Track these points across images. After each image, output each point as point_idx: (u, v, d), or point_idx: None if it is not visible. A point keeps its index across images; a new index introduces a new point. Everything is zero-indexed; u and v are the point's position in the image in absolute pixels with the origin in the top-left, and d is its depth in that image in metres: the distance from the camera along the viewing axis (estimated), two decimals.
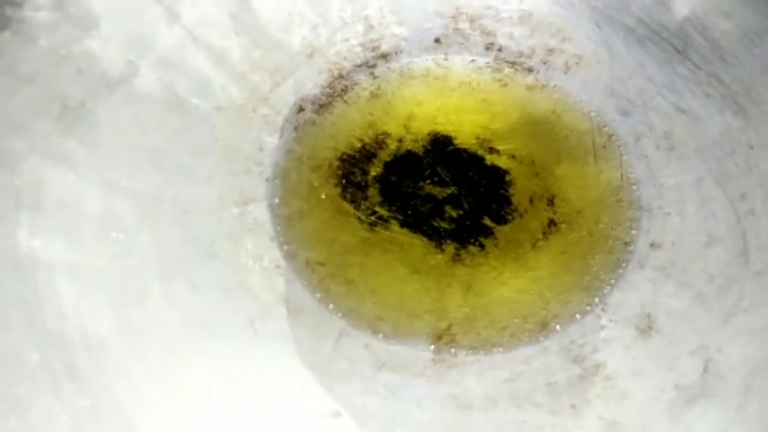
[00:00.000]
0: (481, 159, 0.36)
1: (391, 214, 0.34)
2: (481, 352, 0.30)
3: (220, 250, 0.32)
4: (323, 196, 0.35)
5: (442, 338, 0.30)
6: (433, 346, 0.30)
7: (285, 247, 0.33)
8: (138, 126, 0.33)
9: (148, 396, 0.25)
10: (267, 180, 0.35)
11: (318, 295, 0.32)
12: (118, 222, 0.30)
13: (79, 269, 0.28)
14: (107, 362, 0.25)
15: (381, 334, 0.31)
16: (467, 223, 0.34)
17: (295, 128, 0.37)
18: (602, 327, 0.30)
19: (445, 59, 0.39)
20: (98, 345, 0.25)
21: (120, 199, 0.30)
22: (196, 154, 0.34)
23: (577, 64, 0.38)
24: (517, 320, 0.31)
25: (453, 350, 0.30)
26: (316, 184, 0.35)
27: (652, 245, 0.32)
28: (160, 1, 0.35)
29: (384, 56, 0.39)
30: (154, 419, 0.24)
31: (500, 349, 0.30)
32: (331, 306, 0.31)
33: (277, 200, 0.34)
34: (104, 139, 0.31)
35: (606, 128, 0.36)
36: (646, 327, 0.29)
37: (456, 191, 0.35)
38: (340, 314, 0.31)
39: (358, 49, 0.39)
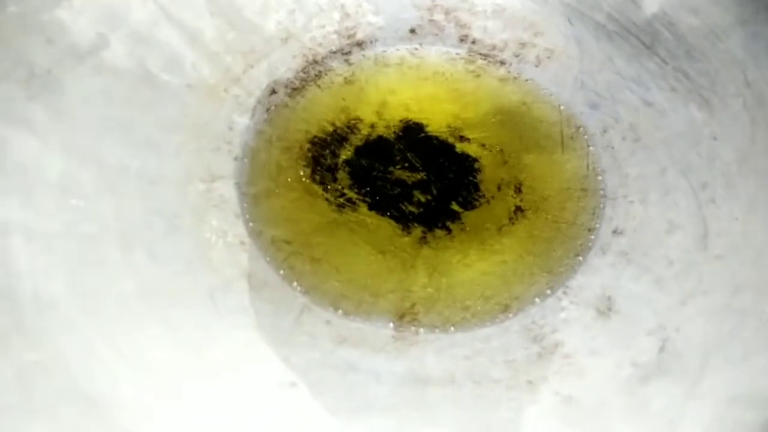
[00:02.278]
0: (452, 146, 0.36)
1: (360, 197, 0.34)
2: (443, 331, 0.30)
3: (183, 224, 0.31)
4: (291, 177, 0.35)
5: (405, 317, 0.30)
6: (394, 324, 0.30)
7: (250, 224, 0.33)
8: (105, 97, 0.32)
9: (99, 356, 0.24)
10: (236, 159, 0.35)
11: (282, 271, 0.31)
12: (78, 189, 0.29)
13: (35, 231, 0.27)
14: (58, 321, 0.25)
15: (343, 311, 0.30)
16: (435, 207, 0.34)
17: (267, 110, 0.37)
18: (563, 308, 0.30)
19: (420, 49, 0.40)
20: (50, 305, 0.25)
21: (82, 166, 0.30)
22: (164, 129, 0.33)
23: (549, 57, 0.39)
24: (479, 301, 0.31)
25: (415, 328, 0.30)
26: (285, 164, 0.35)
27: (614, 232, 0.32)
28: None
29: (359, 44, 0.39)
30: (104, 376, 0.24)
31: (461, 328, 0.30)
32: (294, 283, 0.31)
33: (244, 179, 0.34)
34: (70, 108, 0.31)
35: (574, 120, 0.37)
36: (605, 309, 0.29)
37: (425, 177, 0.35)
38: (303, 291, 0.31)
39: (334, 36, 0.39)
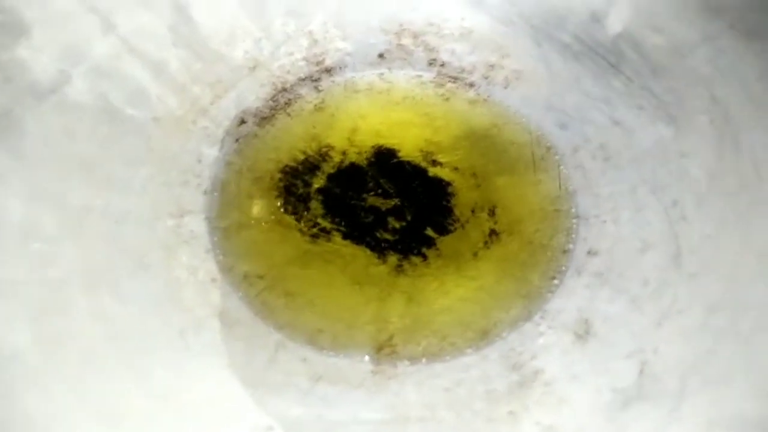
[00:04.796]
0: (424, 171, 0.36)
1: (334, 226, 0.34)
2: (422, 362, 0.29)
3: (152, 262, 0.31)
4: (263, 209, 0.34)
5: (383, 349, 0.30)
6: (369, 358, 0.29)
7: (221, 259, 0.32)
8: (67, 135, 0.32)
9: (65, 410, 0.23)
10: (205, 192, 0.34)
11: (255, 308, 0.31)
12: (40, 232, 0.28)
13: None
14: (21, 375, 0.24)
15: (320, 347, 0.30)
16: (410, 234, 0.34)
17: (236, 140, 0.36)
18: (541, 334, 0.30)
19: (389, 74, 0.39)
20: (11, 356, 0.24)
21: (44, 208, 0.29)
22: (130, 165, 0.33)
23: (517, 79, 0.39)
24: (457, 329, 0.30)
25: (393, 361, 0.29)
26: (256, 196, 0.35)
27: (589, 252, 0.32)
28: (96, 10, 0.34)
29: (328, 70, 0.39)
30: None
31: (440, 358, 0.29)
32: (268, 319, 0.30)
33: (215, 212, 0.34)
34: (31, 148, 0.30)
35: (544, 141, 0.37)
36: (583, 332, 0.29)
37: (399, 203, 0.35)
38: (277, 327, 0.30)
39: (302, 63, 0.39)
